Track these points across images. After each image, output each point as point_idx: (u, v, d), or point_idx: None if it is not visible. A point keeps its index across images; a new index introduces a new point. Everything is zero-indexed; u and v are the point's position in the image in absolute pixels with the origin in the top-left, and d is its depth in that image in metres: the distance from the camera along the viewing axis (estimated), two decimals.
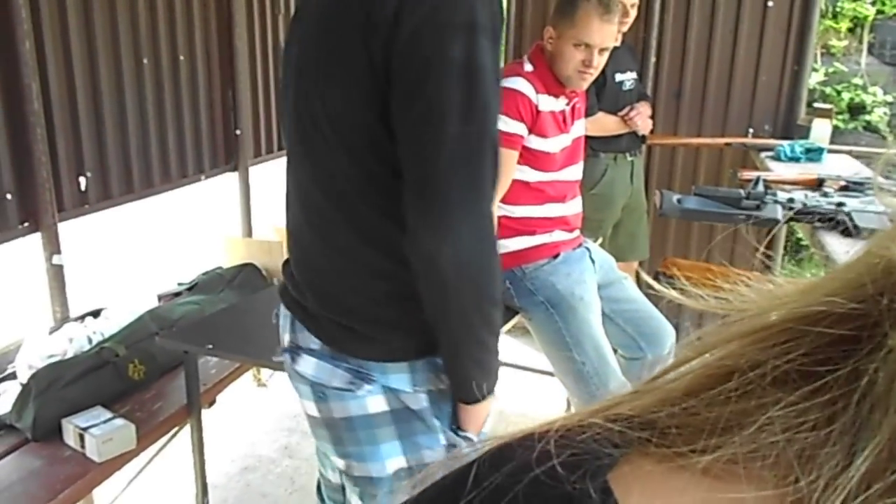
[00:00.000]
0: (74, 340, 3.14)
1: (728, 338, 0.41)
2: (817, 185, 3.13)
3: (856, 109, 8.59)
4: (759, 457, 0.36)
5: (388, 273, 1.60)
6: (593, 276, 3.01)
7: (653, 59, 4.66)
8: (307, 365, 1.72)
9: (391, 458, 1.73)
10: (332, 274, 1.67)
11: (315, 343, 1.71)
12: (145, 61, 3.89)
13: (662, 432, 0.40)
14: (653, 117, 4.13)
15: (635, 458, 0.40)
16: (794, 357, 0.37)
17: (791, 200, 2.79)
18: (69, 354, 3.05)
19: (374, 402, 1.68)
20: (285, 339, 1.80)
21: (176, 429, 3.07)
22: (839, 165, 3.65)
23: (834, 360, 0.36)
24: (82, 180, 3.58)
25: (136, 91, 3.86)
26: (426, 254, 1.48)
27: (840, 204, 2.70)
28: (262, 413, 4.22)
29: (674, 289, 0.47)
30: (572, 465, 0.40)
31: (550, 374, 3.19)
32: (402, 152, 1.48)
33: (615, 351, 3.03)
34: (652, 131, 4.15)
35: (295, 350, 1.75)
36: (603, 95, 3.87)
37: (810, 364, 0.37)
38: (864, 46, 9.28)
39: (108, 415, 2.80)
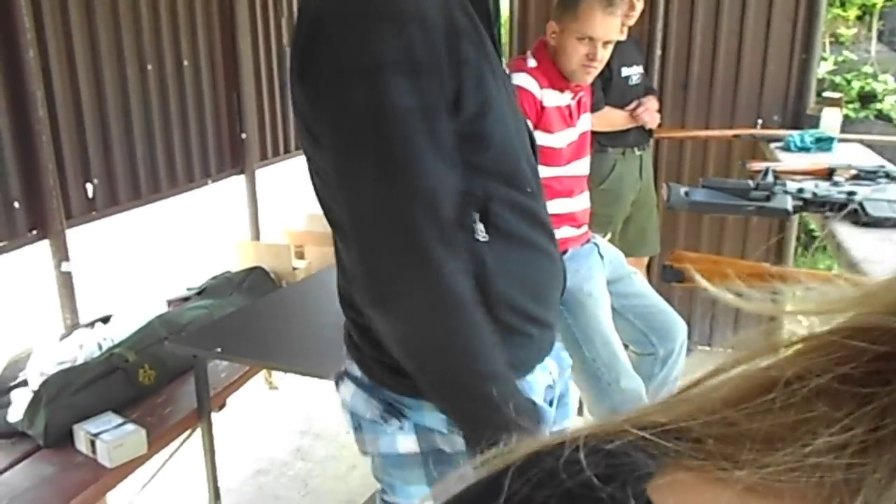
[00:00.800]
0: (84, 347, 3.15)
1: (772, 346, 0.40)
2: (828, 174, 3.09)
3: (866, 98, 8.54)
4: (802, 476, 0.35)
5: None
6: (602, 272, 3.00)
7: (658, 52, 4.63)
8: (346, 392, 1.59)
9: (421, 499, 1.60)
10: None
11: (358, 371, 1.57)
12: (149, 67, 3.90)
13: (699, 442, 0.38)
14: (660, 111, 4.10)
15: (672, 470, 0.38)
16: (843, 370, 0.36)
17: (801, 191, 2.75)
18: (79, 361, 3.07)
19: (404, 441, 1.52)
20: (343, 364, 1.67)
21: (188, 433, 3.07)
22: (850, 154, 3.60)
23: (885, 375, 0.35)
24: (89, 187, 3.59)
25: (140, 96, 3.87)
26: (381, 334, 1.35)
27: (851, 193, 2.66)
28: (274, 416, 4.22)
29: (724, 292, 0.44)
30: (608, 475, 0.38)
31: None
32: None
33: (626, 347, 3.02)
34: (660, 125, 4.13)
35: (341, 375, 1.62)
36: (609, 90, 3.84)
37: (860, 379, 0.35)
38: (874, 34, 9.23)
39: (119, 420, 2.81)
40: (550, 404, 1.65)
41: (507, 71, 1.54)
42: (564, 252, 2.93)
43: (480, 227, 1.38)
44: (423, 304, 1.29)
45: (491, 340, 1.34)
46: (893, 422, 0.33)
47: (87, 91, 3.56)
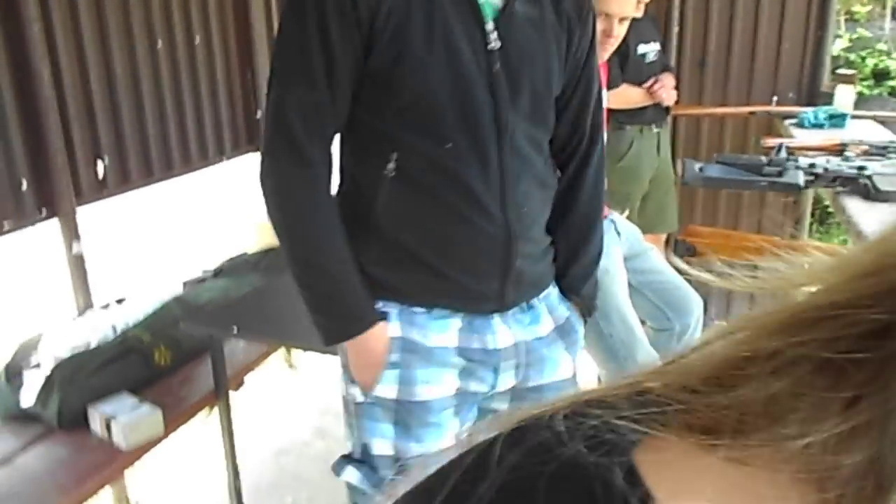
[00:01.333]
0: (98, 329, 3.12)
1: (753, 321, 0.39)
2: (840, 150, 3.11)
3: (880, 75, 8.50)
4: (774, 462, 0.35)
5: None
6: (619, 249, 2.98)
7: (675, 29, 4.60)
8: None
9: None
10: None
11: None
12: (160, 43, 3.85)
13: (682, 415, 0.38)
14: (677, 88, 4.08)
15: (656, 439, 0.38)
16: (817, 345, 0.35)
17: (812, 166, 2.80)
18: (93, 343, 3.03)
19: None
20: None
21: (206, 413, 3.05)
22: (863, 131, 3.62)
23: (860, 349, 0.33)
24: (100, 165, 3.55)
25: (151, 73, 3.82)
26: None
27: (861, 168, 2.70)
28: (293, 395, 4.20)
29: (707, 270, 0.45)
30: (594, 444, 0.38)
31: None
32: None
33: (643, 322, 3.00)
34: (677, 102, 4.11)
35: None
36: (626, 67, 3.83)
37: (834, 353, 0.34)
38: (889, 12, 9.17)
39: (135, 401, 2.79)
40: (495, 372, 1.83)
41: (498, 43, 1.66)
42: None
43: (391, 165, 1.65)
44: (276, 183, 1.70)
45: (327, 237, 1.71)
46: (864, 413, 0.33)
47: (96, 67, 3.50)
